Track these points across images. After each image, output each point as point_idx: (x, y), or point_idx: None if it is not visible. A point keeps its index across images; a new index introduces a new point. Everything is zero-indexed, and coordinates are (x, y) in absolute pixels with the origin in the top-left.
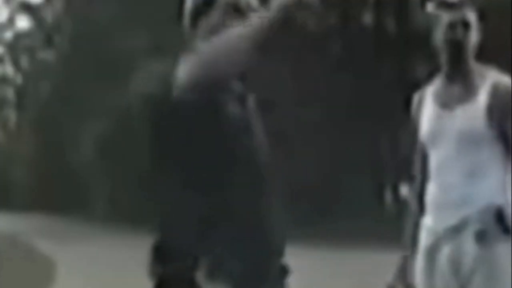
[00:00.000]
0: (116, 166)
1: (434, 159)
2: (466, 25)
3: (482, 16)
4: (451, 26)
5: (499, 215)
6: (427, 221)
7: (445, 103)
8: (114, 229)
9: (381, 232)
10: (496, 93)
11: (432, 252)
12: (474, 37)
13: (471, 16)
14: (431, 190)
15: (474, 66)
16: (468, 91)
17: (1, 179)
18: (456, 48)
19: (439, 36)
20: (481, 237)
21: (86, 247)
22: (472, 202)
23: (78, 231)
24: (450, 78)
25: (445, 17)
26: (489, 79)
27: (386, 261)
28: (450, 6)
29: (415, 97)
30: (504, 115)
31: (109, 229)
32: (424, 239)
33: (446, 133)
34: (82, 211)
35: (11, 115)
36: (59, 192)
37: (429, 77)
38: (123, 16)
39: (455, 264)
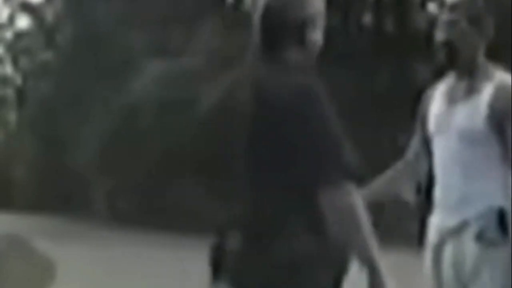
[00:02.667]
0: (117, 166)
1: (438, 158)
2: (458, 26)
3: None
4: (446, 27)
5: (500, 216)
6: (434, 219)
7: (451, 101)
8: (114, 229)
9: (381, 232)
10: (499, 92)
11: (438, 251)
12: (470, 37)
13: (464, 17)
14: (437, 189)
15: (482, 65)
16: (472, 89)
17: (1, 179)
18: (450, 49)
19: (435, 36)
20: (482, 238)
21: (86, 247)
22: (472, 203)
23: (78, 231)
24: (458, 75)
25: (441, 17)
26: (494, 79)
27: (386, 260)
28: (447, 7)
29: (426, 94)
30: (505, 115)
31: (109, 229)
32: (431, 237)
33: (448, 129)
34: (82, 211)
35: (11, 115)
36: (59, 192)
37: (440, 75)
38: (123, 16)
39: (457, 265)
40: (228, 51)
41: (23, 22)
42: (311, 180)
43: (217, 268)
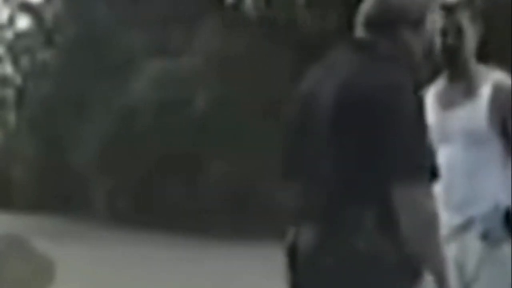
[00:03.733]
0: (117, 166)
1: (440, 161)
2: (459, 29)
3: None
4: (444, 31)
5: (506, 216)
6: None
7: (447, 104)
8: (115, 229)
9: None
10: (497, 93)
11: None
12: (470, 40)
13: (465, 20)
14: (437, 189)
15: (475, 66)
16: (470, 92)
17: (0, 179)
18: (450, 53)
19: (437, 38)
20: (487, 237)
21: (86, 247)
22: (477, 202)
23: (78, 231)
24: (452, 79)
25: (438, 21)
26: (490, 80)
27: None
28: (444, 10)
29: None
30: (506, 115)
31: (109, 229)
32: None
33: (449, 134)
34: (82, 211)
35: (11, 115)
36: (59, 192)
37: (431, 78)
38: (123, 16)
39: (460, 263)
40: (228, 51)
41: (23, 22)
42: (390, 176)
43: (293, 260)
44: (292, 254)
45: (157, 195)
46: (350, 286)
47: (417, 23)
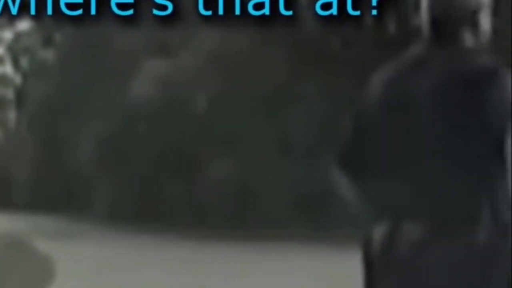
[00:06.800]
0: (117, 166)
1: None
2: None
3: None
4: None
5: None
6: None
7: None
8: (115, 229)
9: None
10: None
11: None
12: None
13: None
14: None
15: None
16: None
17: (0, 179)
18: None
19: None
20: None
21: (86, 247)
22: None
23: (79, 231)
24: None
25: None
26: None
27: None
28: None
29: None
30: None
31: (109, 228)
32: None
33: None
34: (82, 211)
35: (11, 115)
36: (59, 192)
37: None
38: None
39: None
40: (228, 51)
41: (23, 22)
42: (495, 166)
43: (385, 255)
44: (382, 252)
45: (157, 194)
46: (464, 280)
47: (488, 7)
